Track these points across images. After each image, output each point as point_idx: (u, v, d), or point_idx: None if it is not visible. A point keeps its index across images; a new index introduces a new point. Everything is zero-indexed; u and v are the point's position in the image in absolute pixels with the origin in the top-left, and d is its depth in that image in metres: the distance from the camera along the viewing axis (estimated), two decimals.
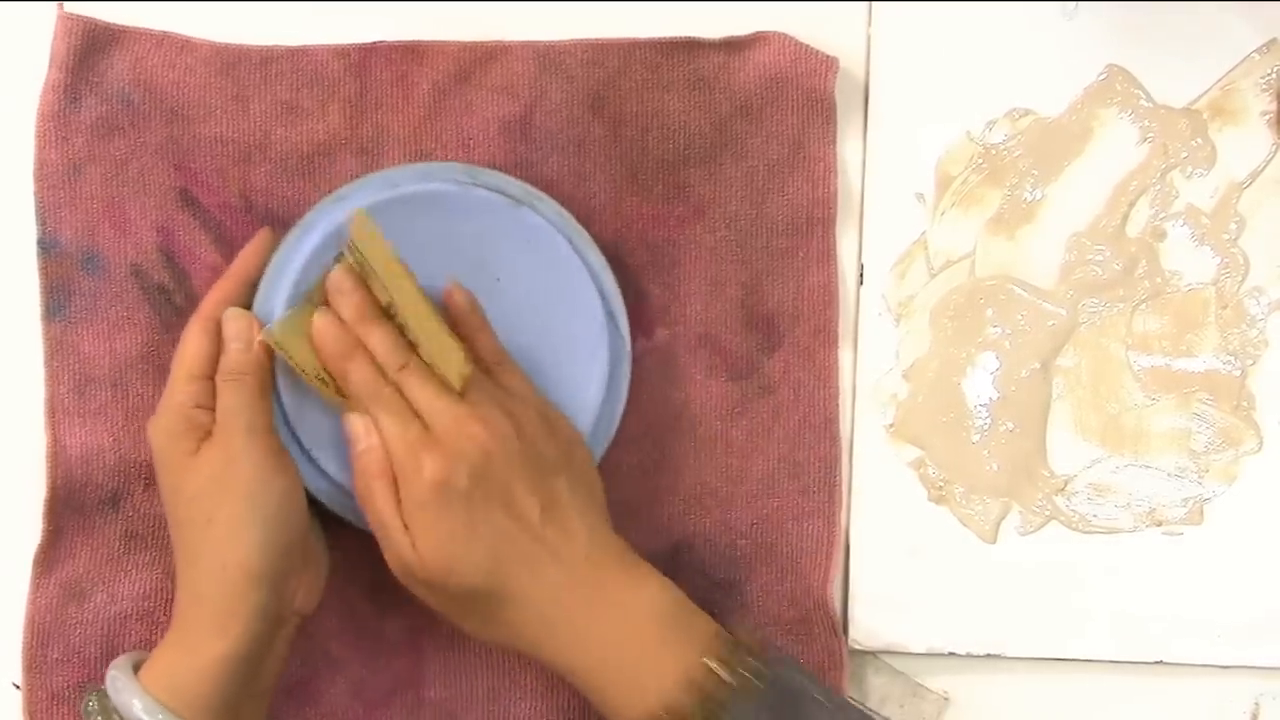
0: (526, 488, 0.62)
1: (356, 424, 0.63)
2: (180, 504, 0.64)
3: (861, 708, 0.63)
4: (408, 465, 0.62)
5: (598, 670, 0.61)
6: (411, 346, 0.65)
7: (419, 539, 0.61)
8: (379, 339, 0.64)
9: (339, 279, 0.65)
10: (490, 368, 0.66)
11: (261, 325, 0.65)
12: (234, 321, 0.66)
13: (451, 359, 0.64)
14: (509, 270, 0.69)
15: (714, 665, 0.60)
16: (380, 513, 0.62)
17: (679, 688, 0.59)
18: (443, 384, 0.63)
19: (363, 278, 0.65)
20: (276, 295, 0.67)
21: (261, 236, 0.68)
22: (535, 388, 0.67)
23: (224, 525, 0.62)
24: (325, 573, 0.68)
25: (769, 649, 0.62)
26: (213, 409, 0.65)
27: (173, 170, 0.70)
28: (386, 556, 0.63)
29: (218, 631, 0.62)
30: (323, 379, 0.65)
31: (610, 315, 0.70)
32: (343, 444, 0.65)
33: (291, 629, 0.66)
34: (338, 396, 0.65)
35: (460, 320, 0.67)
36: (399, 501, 0.62)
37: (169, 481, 0.64)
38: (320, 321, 0.64)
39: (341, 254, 0.66)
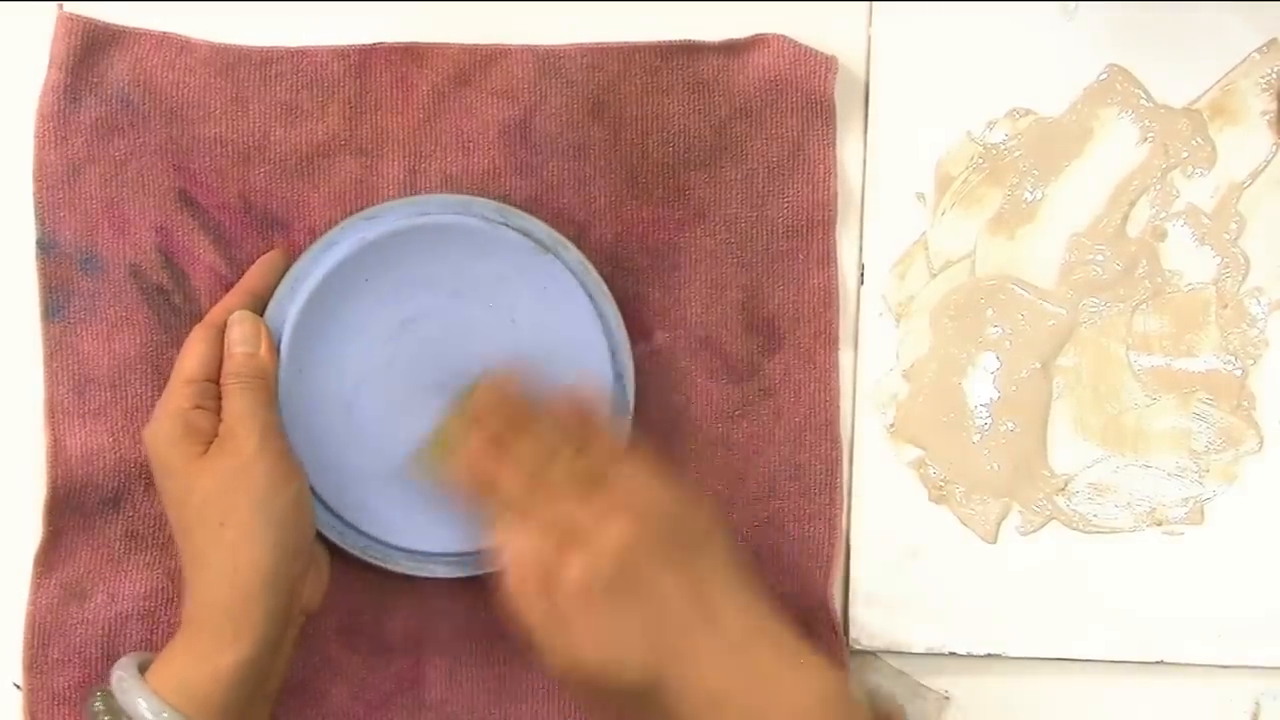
0: (670, 574, 0.60)
1: (506, 533, 0.62)
2: (189, 508, 0.63)
3: None
4: (554, 570, 0.60)
5: None
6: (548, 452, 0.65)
7: (573, 642, 0.60)
8: (527, 448, 0.64)
9: (488, 395, 0.66)
10: (618, 459, 0.64)
11: (269, 330, 0.66)
12: (241, 325, 0.66)
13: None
14: (525, 313, 0.69)
15: None
16: (535, 620, 0.61)
17: None
18: (580, 484, 0.62)
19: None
20: (291, 306, 0.67)
21: (273, 255, 0.69)
22: (663, 474, 0.65)
23: (237, 528, 0.62)
24: (327, 570, 0.68)
25: None
26: (213, 411, 0.65)
27: (172, 171, 0.70)
28: (547, 661, 0.61)
29: (232, 636, 0.62)
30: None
31: (618, 375, 0.70)
32: (334, 466, 0.67)
33: (297, 629, 0.66)
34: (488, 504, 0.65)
35: (582, 419, 0.66)
36: (552, 607, 0.60)
37: (176, 486, 0.64)
38: (478, 438, 0.65)
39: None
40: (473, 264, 0.69)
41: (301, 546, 0.64)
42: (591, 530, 0.60)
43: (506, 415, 0.65)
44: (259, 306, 0.68)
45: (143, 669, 0.62)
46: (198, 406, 0.64)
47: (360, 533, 0.68)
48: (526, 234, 0.69)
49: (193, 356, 0.65)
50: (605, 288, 0.70)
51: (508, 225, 0.69)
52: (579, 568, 0.59)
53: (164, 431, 0.64)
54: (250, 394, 0.65)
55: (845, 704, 0.60)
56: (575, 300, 0.69)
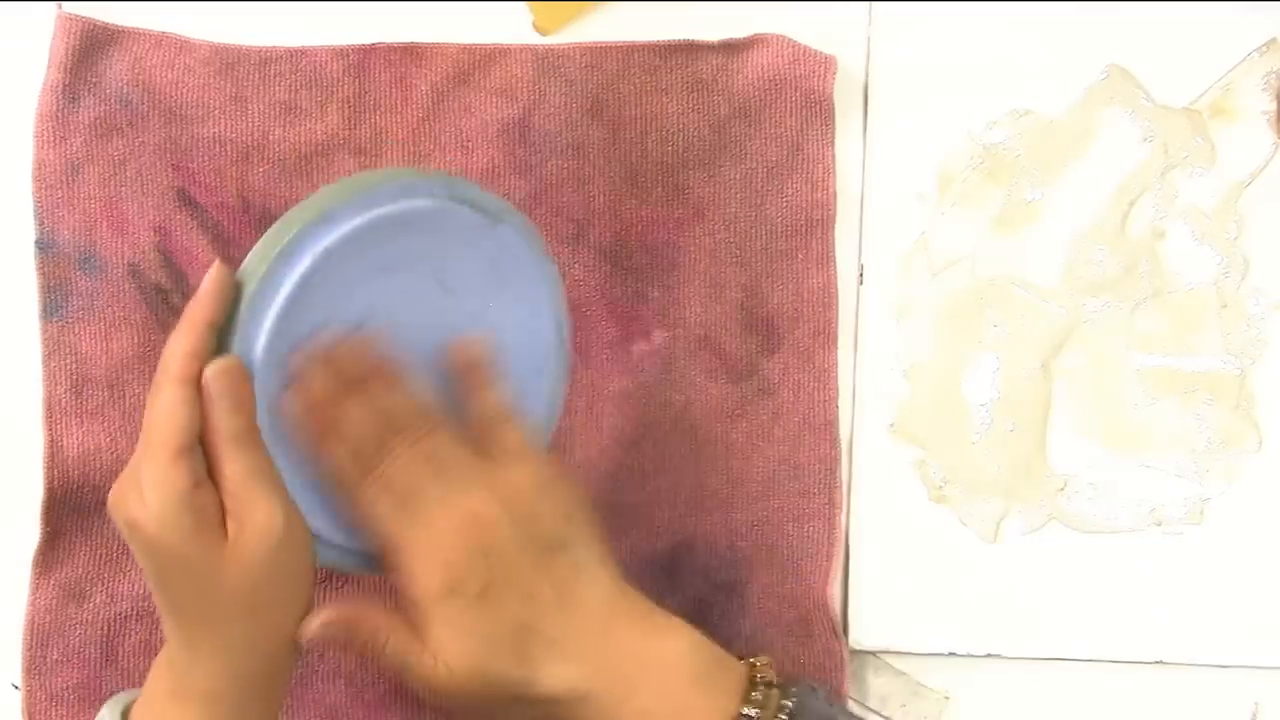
0: (535, 571, 0.59)
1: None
2: (213, 601, 0.57)
3: None
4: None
5: None
6: None
7: (443, 654, 0.58)
8: (371, 411, 0.60)
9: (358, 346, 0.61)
10: (491, 427, 0.62)
11: (248, 370, 0.58)
12: (224, 379, 0.57)
13: None
14: (464, 281, 0.64)
15: (750, 712, 0.58)
16: (398, 644, 0.59)
17: None
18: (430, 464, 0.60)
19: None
20: (258, 332, 0.59)
21: (219, 276, 0.58)
22: (533, 448, 0.62)
23: (270, 612, 0.58)
24: (313, 595, 0.63)
25: (795, 682, 0.60)
26: (208, 481, 0.57)
27: (171, 170, 0.70)
28: (418, 686, 0.58)
29: (228, 688, 0.58)
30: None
31: (558, 328, 0.66)
32: (320, 493, 0.63)
33: (294, 662, 0.61)
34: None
35: (465, 375, 0.63)
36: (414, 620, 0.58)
37: (189, 579, 0.57)
38: (321, 379, 0.60)
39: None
40: (421, 245, 0.62)
41: (312, 594, 0.60)
42: (454, 537, 0.58)
43: (369, 367, 0.60)
44: (215, 334, 0.58)
45: (126, 712, 0.60)
46: (198, 484, 0.56)
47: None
48: (475, 205, 0.63)
49: (175, 422, 0.56)
50: (546, 248, 0.65)
51: (455, 198, 0.62)
52: (441, 579, 0.58)
53: (171, 522, 0.56)
54: (250, 453, 0.58)
55: (708, 666, 0.59)
56: (520, 265, 0.64)
